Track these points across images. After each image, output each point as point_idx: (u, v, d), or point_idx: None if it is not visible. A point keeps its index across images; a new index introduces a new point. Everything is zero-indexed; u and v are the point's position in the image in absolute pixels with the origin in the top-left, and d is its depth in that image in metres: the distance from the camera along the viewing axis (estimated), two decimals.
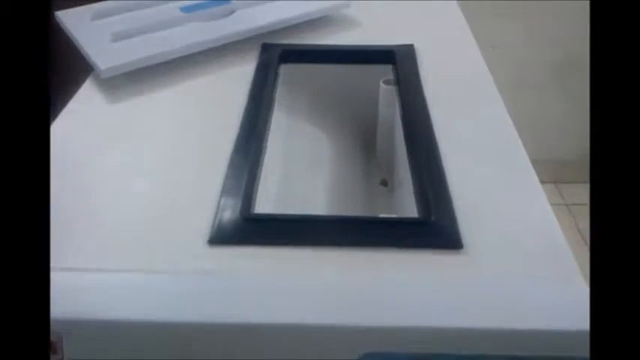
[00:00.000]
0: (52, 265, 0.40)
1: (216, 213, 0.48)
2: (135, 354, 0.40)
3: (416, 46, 0.74)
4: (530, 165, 0.56)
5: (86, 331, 0.41)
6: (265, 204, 0.54)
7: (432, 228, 0.47)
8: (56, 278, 0.40)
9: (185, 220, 0.49)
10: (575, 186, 1.74)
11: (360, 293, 0.42)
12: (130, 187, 0.53)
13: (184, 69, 0.70)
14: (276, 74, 0.69)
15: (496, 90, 0.67)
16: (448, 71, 0.70)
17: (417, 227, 0.48)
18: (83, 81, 0.69)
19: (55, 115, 0.61)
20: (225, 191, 0.50)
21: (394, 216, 0.61)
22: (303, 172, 0.68)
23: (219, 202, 0.49)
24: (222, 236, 0.46)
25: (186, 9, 0.78)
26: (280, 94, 0.67)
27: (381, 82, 0.74)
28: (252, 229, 0.47)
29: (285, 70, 0.72)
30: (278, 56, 0.72)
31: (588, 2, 0.45)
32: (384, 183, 0.74)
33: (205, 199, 0.50)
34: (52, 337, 0.39)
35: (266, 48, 0.74)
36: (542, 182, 0.52)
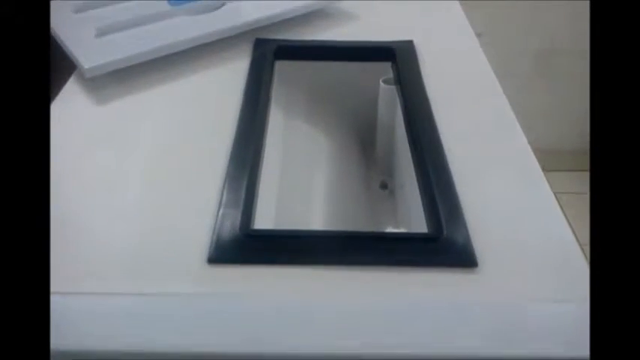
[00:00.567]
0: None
1: (214, 229, 0.45)
2: None
3: (415, 41, 0.71)
4: (541, 171, 0.54)
5: None
6: (264, 212, 0.51)
7: (444, 245, 0.44)
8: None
9: (180, 237, 0.45)
10: (561, 174, 1.73)
11: (367, 318, 0.40)
12: (118, 198, 0.50)
13: (174, 66, 0.66)
14: (271, 72, 0.66)
15: (499, 87, 0.64)
16: (450, 69, 0.67)
17: (428, 244, 0.45)
18: (65, 80, 0.64)
19: None
20: (222, 204, 0.47)
21: (402, 230, 0.58)
22: (301, 177, 0.65)
23: (217, 217, 0.46)
24: (222, 254, 0.44)
25: (174, 2, 0.74)
26: (276, 94, 0.64)
27: (381, 82, 0.71)
28: (252, 246, 0.45)
29: (280, 67, 0.68)
30: (273, 52, 0.69)
31: None
32: (384, 186, 0.71)
33: (201, 212, 0.47)
34: None
35: (260, 43, 0.70)
36: None
